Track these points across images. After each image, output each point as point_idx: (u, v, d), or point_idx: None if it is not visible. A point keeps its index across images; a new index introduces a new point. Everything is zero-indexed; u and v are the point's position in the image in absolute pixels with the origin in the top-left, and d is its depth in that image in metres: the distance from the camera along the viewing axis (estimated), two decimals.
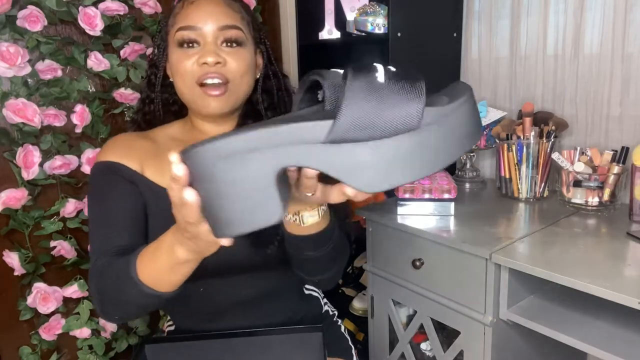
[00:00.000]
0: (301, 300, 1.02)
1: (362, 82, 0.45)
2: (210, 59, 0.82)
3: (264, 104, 0.93)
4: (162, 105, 0.95)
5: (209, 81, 0.82)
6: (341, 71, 0.50)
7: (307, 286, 1.05)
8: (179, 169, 0.47)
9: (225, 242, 0.52)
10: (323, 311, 1.09)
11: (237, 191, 0.46)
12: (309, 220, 0.69)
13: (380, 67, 0.47)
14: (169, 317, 1.04)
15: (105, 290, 0.74)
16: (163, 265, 0.64)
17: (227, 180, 0.45)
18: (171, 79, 0.91)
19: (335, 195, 0.56)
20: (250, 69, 0.88)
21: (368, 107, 0.44)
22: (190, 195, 0.48)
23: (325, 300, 1.12)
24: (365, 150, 0.45)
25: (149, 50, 1.43)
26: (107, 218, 0.81)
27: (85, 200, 1.38)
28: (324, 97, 0.51)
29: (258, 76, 0.93)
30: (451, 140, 0.48)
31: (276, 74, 0.96)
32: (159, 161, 0.87)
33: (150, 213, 0.85)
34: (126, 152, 0.86)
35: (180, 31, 0.84)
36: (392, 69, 0.48)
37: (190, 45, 0.84)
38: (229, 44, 0.85)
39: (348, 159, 0.46)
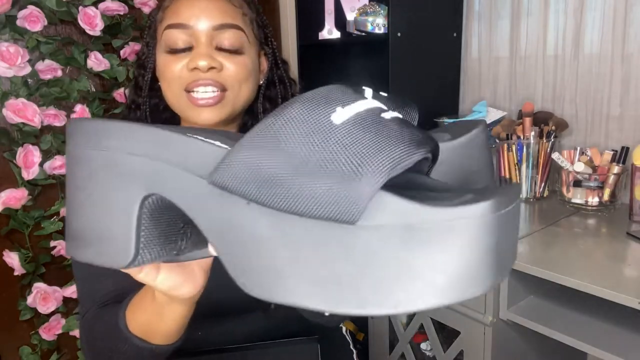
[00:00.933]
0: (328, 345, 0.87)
1: (300, 115, 0.26)
2: (203, 62, 0.67)
3: (266, 115, 0.79)
4: (150, 111, 0.80)
5: (201, 89, 0.69)
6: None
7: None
8: None
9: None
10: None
11: (87, 199, 0.32)
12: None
13: (359, 104, 0.27)
14: None
15: (95, 347, 0.65)
16: (151, 311, 0.55)
17: (82, 176, 0.32)
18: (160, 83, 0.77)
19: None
20: (252, 74, 0.74)
21: (278, 155, 0.26)
22: None
23: (354, 350, 1.00)
24: (261, 219, 0.27)
25: None
26: (89, 265, 0.71)
27: None
28: None
29: (262, 82, 0.79)
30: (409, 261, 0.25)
31: (282, 80, 0.82)
32: None
33: None
34: None
35: (168, 29, 0.70)
36: (389, 113, 0.28)
37: (180, 46, 0.70)
38: (226, 49, 0.71)
39: (232, 221, 0.28)
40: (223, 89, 0.70)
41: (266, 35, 0.79)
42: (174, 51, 0.70)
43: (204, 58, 0.68)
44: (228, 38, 0.71)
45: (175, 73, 0.70)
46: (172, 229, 0.34)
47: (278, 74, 0.81)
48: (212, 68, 0.68)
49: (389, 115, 0.27)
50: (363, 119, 0.26)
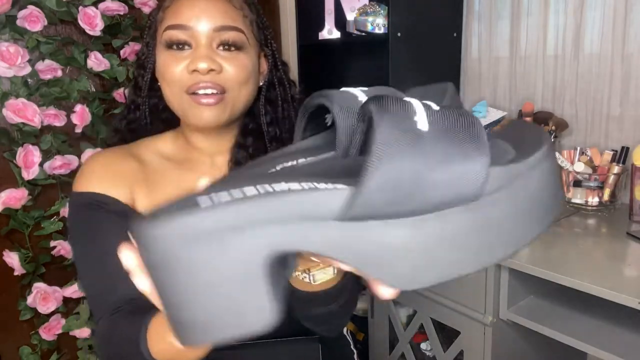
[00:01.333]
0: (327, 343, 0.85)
1: (395, 130, 0.29)
2: (203, 65, 0.67)
3: (266, 117, 0.79)
4: (150, 112, 0.80)
5: (201, 92, 0.69)
6: (353, 90, 0.37)
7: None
8: (127, 258, 0.34)
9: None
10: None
11: (206, 287, 0.30)
12: (321, 277, 0.58)
13: (417, 104, 0.31)
14: None
15: (112, 356, 0.64)
16: (173, 345, 0.52)
17: (193, 272, 0.30)
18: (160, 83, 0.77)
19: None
20: (252, 76, 0.74)
21: (405, 167, 0.28)
22: (144, 285, 0.34)
23: (354, 350, 0.98)
24: (403, 232, 0.30)
25: None
26: (100, 268, 0.69)
27: None
28: (332, 122, 0.37)
29: (262, 83, 0.79)
30: (524, 215, 0.32)
31: (282, 82, 0.81)
32: (151, 187, 0.75)
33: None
34: (111, 178, 0.73)
35: (168, 30, 0.70)
36: (434, 106, 0.31)
37: (180, 47, 0.70)
38: (226, 48, 0.70)
39: (376, 245, 0.31)
40: (222, 91, 0.70)
41: (266, 36, 0.79)
42: (173, 52, 0.70)
43: (204, 60, 0.68)
44: (227, 39, 0.70)
45: (175, 75, 0.69)
46: (282, 277, 0.34)
47: (278, 75, 0.80)
48: (211, 70, 0.68)
49: (435, 106, 0.32)
50: (433, 115, 0.30)
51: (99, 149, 1.37)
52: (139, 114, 0.80)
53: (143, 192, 0.74)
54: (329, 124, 0.40)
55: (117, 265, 0.51)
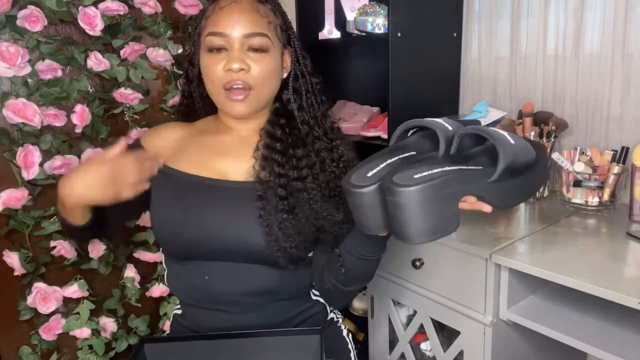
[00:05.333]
0: (307, 303, 1.00)
1: (505, 143, 0.67)
2: (235, 65, 0.86)
3: (295, 104, 0.97)
4: (200, 98, 1.01)
5: (234, 87, 0.88)
6: (441, 120, 0.73)
7: (314, 291, 1.02)
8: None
9: None
10: (328, 318, 1.05)
11: (431, 214, 0.64)
12: None
13: (500, 131, 0.70)
14: (178, 301, 1.04)
15: None
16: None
17: (424, 208, 0.63)
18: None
19: (466, 207, 0.71)
20: (274, 73, 0.92)
21: (513, 157, 0.68)
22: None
23: (330, 308, 1.07)
24: (508, 185, 0.69)
25: (149, 50, 1.43)
26: None
27: None
28: (412, 134, 0.78)
29: (285, 76, 0.96)
30: (536, 183, 0.79)
31: (303, 74, 0.98)
32: (180, 149, 0.95)
33: (156, 192, 0.92)
34: (152, 136, 0.98)
35: (209, 36, 0.88)
36: (507, 133, 0.70)
37: (218, 51, 0.88)
38: (254, 50, 0.88)
39: (498, 190, 0.69)
40: (249, 87, 0.88)
41: (289, 36, 0.97)
42: (213, 54, 0.89)
43: (236, 61, 0.86)
44: (256, 43, 0.88)
45: (215, 73, 0.88)
46: None
47: (300, 69, 0.98)
48: (241, 69, 0.87)
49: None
50: (512, 136, 0.72)
51: (99, 149, 1.38)
52: (192, 100, 1.02)
53: (171, 153, 0.95)
54: (409, 135, 0.79)
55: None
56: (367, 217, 0.70)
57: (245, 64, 0.87)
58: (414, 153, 0.75)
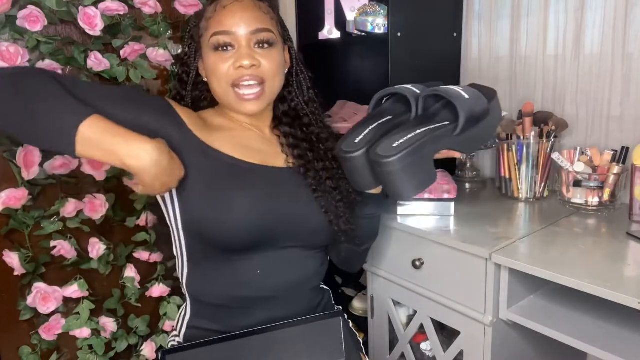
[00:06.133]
0: (320, 293, 1.05)
1: (462, 100, 0.80)
2: (247, 62, 0.86)
3: (301, 98, 1.01)
4: (192, 102, 1.00)
5: (246, 83, 0.88)
6: (409, 86, 0.87)
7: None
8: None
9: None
10: (332, 304, 1.10)
11: (412, 173, 0.78)
12: None
13: (455, 88, 0.83)
14: (182, 309, 1.01)
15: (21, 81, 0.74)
16: (112, 141, 0.73)
17: (405, 170, 0.77)
18: (204, 79, 0.96)
19: (440, 156, 0.86)
20: (281, 67, 0.93)
21: (470, 110, 0.81)
22: None
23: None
24: (471, 134, 0.82)
25: (149, 50, 1.43)
26: (98, 93, 0.80)
27: (86, 200, 1.38)
28: (386, 101, 0.92)
29: (286, 71, 0.98)
30: (492, 126, 0.91)
31: (302, 70, 1.01)
32: (209, 130, 0.91)
33: (193, 169, 0.84)
34: (191, 114, 0.91)
35: (215, 36, 0.88)
36: (460, 88, 0.83)
37: (225, 48, 0.88)
38: (261, 46, 0.89)
39: (463, 141, 0.82)
40: (262, 82, 0.89)
41: (285, 32, 0.98)
42: (220, 52, 0.88)
43: (247, 58, 0.87)
44: (262, 39, 0.89)
45: (224, 71, 0.88)
46: None
47: (298, 65, 1.01)
48: (253, 65, 0.87)
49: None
50: (465, 90, 0.85)
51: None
52: (184, 103, 0.98)
53: (202, 131, 0.89)
54: (382, 103, 0.92)
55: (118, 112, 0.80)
56: (361, 176, 0.84)
57: (255, 60, 0.88)
58: (390, 117, 0.88)
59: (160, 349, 1.54)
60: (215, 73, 0.89)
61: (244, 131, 0.95)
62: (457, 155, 0.87)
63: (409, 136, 0.78)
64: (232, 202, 0.84)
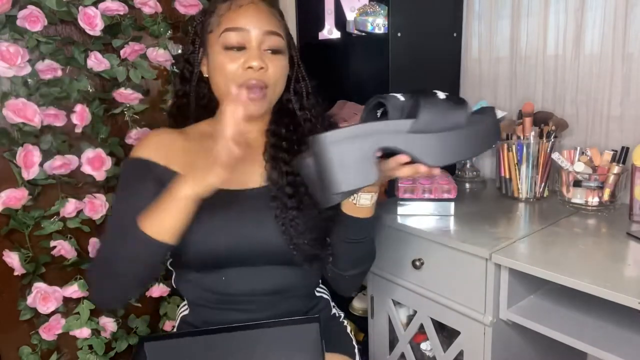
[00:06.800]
0: (312, 300, 1.04)
1: (430, 98, 0.73)
2: (256, 63, 0.86)
3: (297, 104, 1.00)
4: (195, 98, 0.99)
5: (250, 84, 0.88)
6: (398, 95, 0.75)
7: (318, 289, 1.08)
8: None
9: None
10: (332, 313, 1.10)
11: (346, 162, 0.68)
12: (363, 201, 0.85)
13: (438, 92, 0.75)
14: (184, 302, 1.04)
15: (102, 259, 0.82)
16: (164, 209, 0.76)
17: (339, 155, 0.67)
18: (205, 75, 0.95)
19: (406, 171, 0.73)
20: (285, 74, 0.94)
21: (437, 110, 0.71)
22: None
23: (333, 303, 1.13)
24: (435, 138, 0.71)
25: (149, 50, 1.43)
26: (125, 216, 0.83)
27: (86, 200, 1.38)
28: (382, 114, 0.78)
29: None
30: (482, 137, 0.76)
31: (304, 77, 1.02)
32: (188, 156, 0.91)
33: None
34: (153, 146, 0.91)
35: (227, 32, 0.87)
36: (446, 94, 0.76)
37: (238, 49, 0.88)
38: (272, 51, 0.90)
39: (423, 143, 0.71)
40: (265, 86, 0.89)
41: (290, 40, 0.98)
42: (230, 52, 0.88)
43: (257, 60, 0.87)
44: (273, 42, 0.90)
45: (232, 70, 0.88)
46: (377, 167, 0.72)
47: (300, 72, 1.01)
48: (261, 68, 0.87)
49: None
50: (446, 95, 0.77)
51: (99, 149, 1.38)
52: (186, 100, 0.99)
53: (181, 160, 0.90)
54: (378, 116, 0.79)
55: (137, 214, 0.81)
56: (313, 185, 0.75)
57: (264, 62, 0.88)
58: None
59: (139, 338, 1.53)
60: (222, 71, 0.89)
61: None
62: (422, 169, 0.72)
63: (351, 125, 0.70)
64: (195, 227, 0.85)
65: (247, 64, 0.87)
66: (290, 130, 0.97)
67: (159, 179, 0.87)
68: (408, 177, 0.75)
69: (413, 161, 0.72)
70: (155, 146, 0.91)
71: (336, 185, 0.68)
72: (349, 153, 0.68)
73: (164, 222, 0.77)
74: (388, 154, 0.73)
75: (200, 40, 0.94)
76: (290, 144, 0.95)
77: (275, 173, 0.92)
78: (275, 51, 0.90)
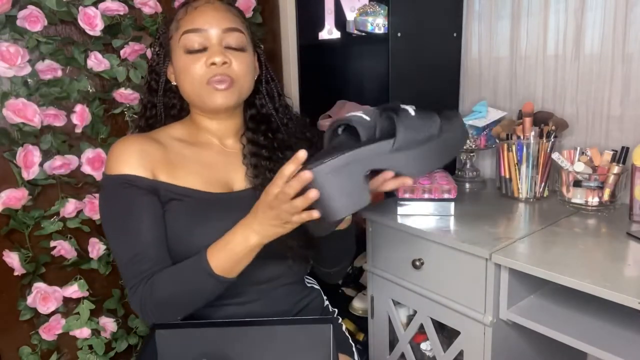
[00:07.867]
0: (305, 290, 1.06)
1: (404, 116, 0.77)
2: (218, 59, 0.87)
3: (270, 106, 1.01)
4: (164, 108, 1.00)
5: (216, 79, 0.88)
6: (360, 114, 0.79)
7: (307, 279, 1.11)
8: (307, 174, 0.68)
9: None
10: (325, 305, 1.11)
11: (344, 189, 0.72)
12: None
13: (407, 107, 0.80)
14: None
15: (167, 298, 0.82)
16: (237, 254, 0.80)
17: (337, 184, 0.71)
18: (173, 83, 0.96)
19: (392, 184, 0.77)
20: (251, 70, 0.94)
21: (413, 127, 0.77)
22: (314, 193, 0.68)
23: (325, 296, 1.15)
24: (415, 152, 0.77)
25: (149, 50, 1.43)
26: (134, 238, 0.84)
27: (86, 200, 1.38)
28: (343, 131, 0.81)
29: (255, 78, 0.98)
30: (457, 140, 0.84)
31: (273, 79, 1.02)
32: (170, 164, 0.91)
33: (171, 212, 0.88)
34: (136, 160, 0.88)
35: (186, 34, 0.88)
36: (413, 107, 0.81)
37: (197, 51, 0.88)
38: (232, 49, 0.90)
39: (405, 159, 0.76)
40: (231, 80, 0.89)
41: (255, 41, 0.99)
42: (191, 52, 0.88)
43: (219, 55, 0.87)
44: (234, 39, 0.90)
45: (197, 71, 0.88)
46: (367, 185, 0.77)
47: (268, 73, 1.01)
48: (224, 63, 0.88)
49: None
50: (416, 110, 0.82)
51: (99, 149, 1.38)
52: (155, 111, 1.00)
53: (164, 168, 0.90)
54: (339, 133, 0.81)
55: (150, 234, 0.86)
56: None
57: (227, 57, 0.88)
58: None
59: (151, 326, 1.53)
60: (187, 73, 0.89)
61: (205, 149, 0.95)
62: (408, 181, 0.77)
63: (345, 154, 0.72)
64: (194, 230, 0.88)
65: (210, 61, 0.87)
66: (269, 138, 0.97)
67: (152, 190, 0.88)
68: (394, 189, 0.79)
69: (397, 175, 0.76)
70: (136, 158, 0.88)
71: (334, 214, 0.72)
72: (343, 181, 0.71)
73: (239, 265, 0.82)
74: (373, 171, 0.77)
75: (164, 49, 0.95)
76: (271, 151, 0.96)
77: (259, 180, 0.93)
78: (237, 48, 0.90)
